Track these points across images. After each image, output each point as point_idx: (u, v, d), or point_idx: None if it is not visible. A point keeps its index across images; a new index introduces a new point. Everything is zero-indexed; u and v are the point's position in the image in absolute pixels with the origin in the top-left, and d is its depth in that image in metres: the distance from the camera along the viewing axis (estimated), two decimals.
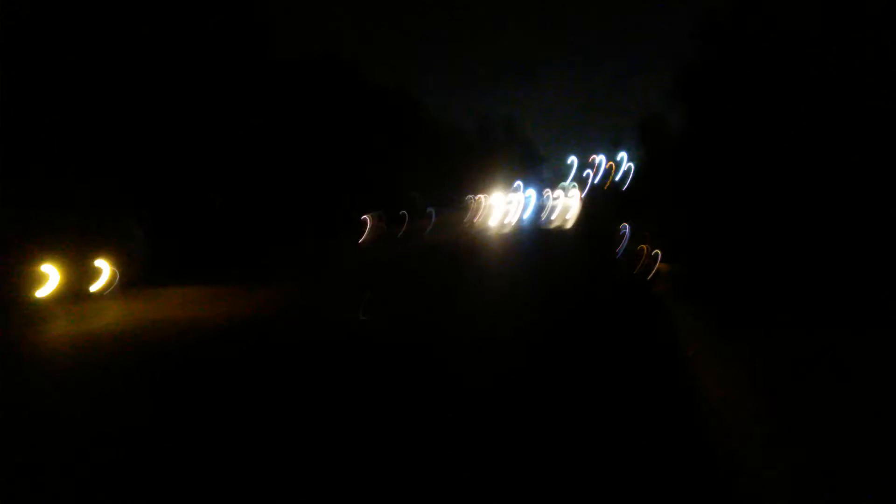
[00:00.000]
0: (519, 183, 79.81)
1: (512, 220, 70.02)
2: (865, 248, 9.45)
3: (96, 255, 15.12)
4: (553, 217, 70.02)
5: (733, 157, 13.32)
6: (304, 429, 5.22)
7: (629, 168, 37.99)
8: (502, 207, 69.18)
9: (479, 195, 73.56)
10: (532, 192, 74.60)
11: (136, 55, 22.31)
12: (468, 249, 23.84)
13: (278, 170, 28.74)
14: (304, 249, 26.25)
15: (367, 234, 34.62)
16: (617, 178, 52.48)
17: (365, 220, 35.55)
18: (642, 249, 11.93)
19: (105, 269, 15.17)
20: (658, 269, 11.01)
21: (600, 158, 64.90)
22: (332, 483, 4.19)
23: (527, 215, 68.21)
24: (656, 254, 11.12)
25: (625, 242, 14.02)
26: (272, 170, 28.30)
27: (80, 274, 14.67)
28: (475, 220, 69.30)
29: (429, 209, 53.60)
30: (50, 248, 14.39)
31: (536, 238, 39.06)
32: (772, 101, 12.70)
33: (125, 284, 15.77)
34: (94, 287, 14.88)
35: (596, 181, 64.54)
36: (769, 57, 12.95)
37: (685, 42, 18.13)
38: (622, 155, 53.83)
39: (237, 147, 25.90)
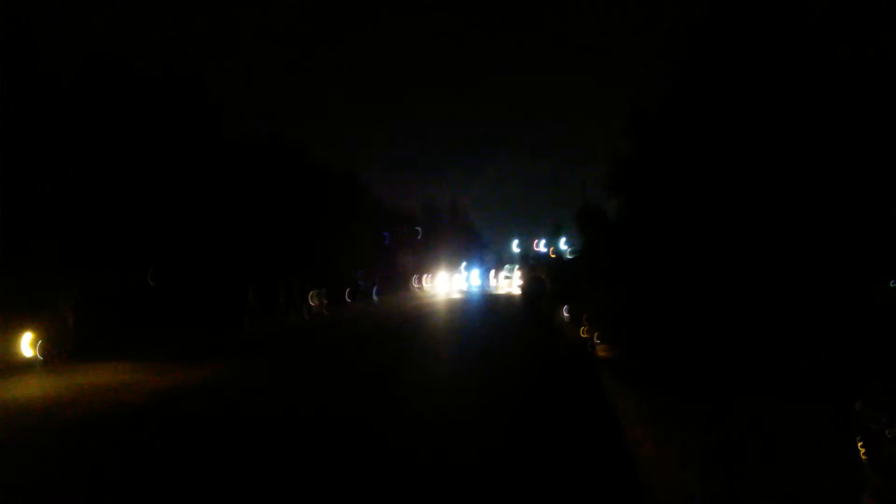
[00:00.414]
0: (464, 264, 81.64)
1: (460, 287, 71.61)
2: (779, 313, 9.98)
3: (24, 326, 14.50)
4: (498, 284, 71.94)
5: (661, 241, 14.01)
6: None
7: (569, 251, 39.14)
8: (447, 280, 70.78)
9: (424, 276, 74.51)
10: (476, 272, 76.74)
11: (82, 129, 22.23)
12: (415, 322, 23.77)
13: (219, 246, 28.46)
14: (244, 327, 25.65)
15: (309, 312, 34.17)
16: (559, 249, 54.29)
17: (308, 298, 35.17)
18: (578, 331, 12.19)
19: (31, 341, 14.52)
20: (599, 354, 11.25)
21: (542, 243, 67.02)
22: None
23: (475, 285, 70.23)
24: (594, 334, 11.38)
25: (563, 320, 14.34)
26: (214, 246, 28.00)
27: (6, 344, 14.03)
28: (423, 286, 70.15)
29: (375, 291, 53.64)
30: None
31: (484, 299, 39.56)
32: (695, 190, 13.54)
33: (53, 356, 15.24)
34: (24, 355, 14.25)
35: (535, 251, 66.60)
36: (689, 151, 13.92)
37: (618, 138, 19.35)
38: (563, 240, 55.76)
39: (178, 222, 25.65)
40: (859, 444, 3.53)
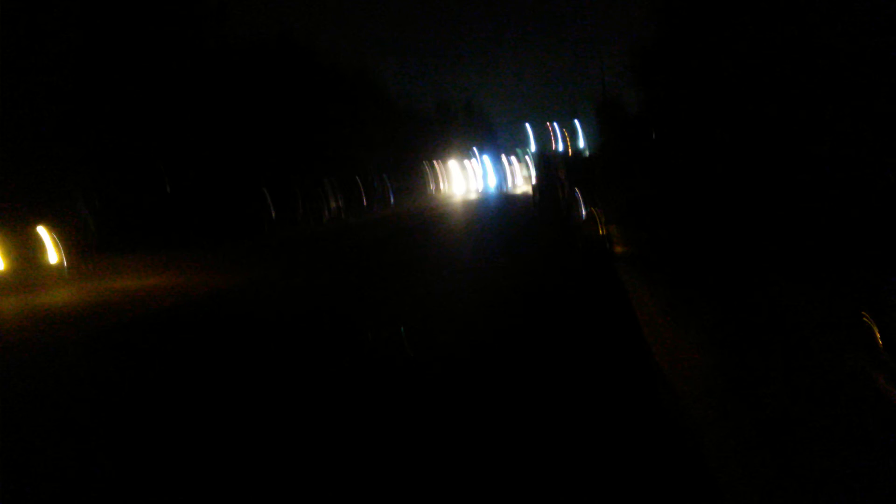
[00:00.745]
0: (474, 149, 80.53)
1: (477, 187, 71.53)
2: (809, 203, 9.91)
3: (47, 231, 14.69)
4: (517, 182, 71.65)
5: (682, 133, 13.71)
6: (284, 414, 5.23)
7: (587, 149, 38.44)
8: (462, 174, 70.31)
9: (435, 162, 73.79)
10: (487, 159, 75.54)
11: (90, 36, 21.70)
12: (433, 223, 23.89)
13: (235, 152, 28.31)
14: (264, 233, 25.97)
15: (328, 218, 34.41)
16: (578, 145, 53.32)
17: (323, 200, 35.30)
18: (592, 213, 12.14)
19: (56, 260, 14.81)
20: (616, 251, 11.27)
21: (555, 125, 65.34)
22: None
23: (491, 183, 69.93)
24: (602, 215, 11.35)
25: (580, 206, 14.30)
26: (230, 153, 27.86)
27: (30, 249, 14.28)
28: (439, 188, 70.10)
29: (392, 194, 53.52)
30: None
31: (502, 204, 39.58)
32: (723, 76, 13.08)
33: (77, 261, 15.44)
34: (51, 259, 14.52)
35: (553, 148, 65.56)
36: (719, 36, 13.32)
37: (641, 25, 18.53)
38: (576, 122, 54.32)
39: (191, 127, 25.44)
40: (874, 328, 3.56)
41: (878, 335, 3.51)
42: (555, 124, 63.65)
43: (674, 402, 4.78)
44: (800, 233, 9.47)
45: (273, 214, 28.60)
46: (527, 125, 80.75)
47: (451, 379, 5.76)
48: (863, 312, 3.56)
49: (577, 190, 15.32)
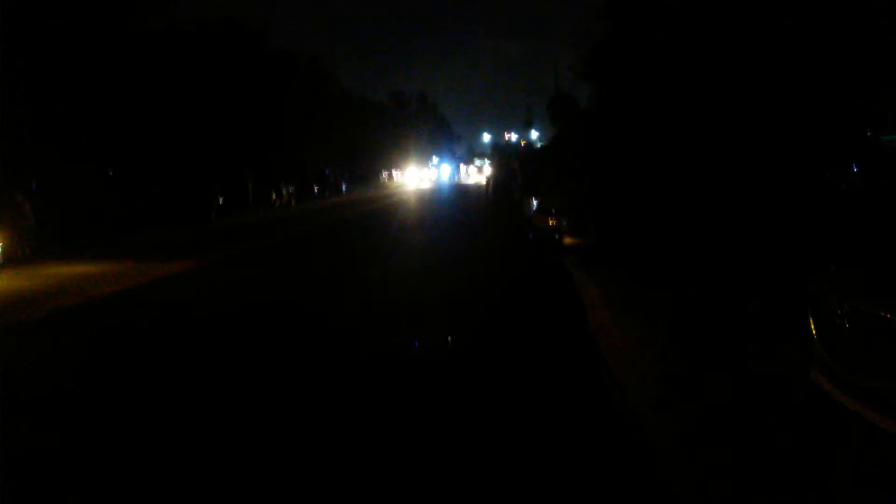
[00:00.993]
0: (434, 158, 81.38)
1: (430, 177, 71.90)
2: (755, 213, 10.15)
3: None
4: (469, 173, 72.35)
5: (633, 128, 13.90)
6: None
7: (539, 142, 38.80)
8: (417, 175, 71.24)
9: (393, 174, 73.98)
10: (446, 167, 76.79)
11: (30, 26, 20.66)
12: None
13: (180, 141, 27.51)
14: (211, 224, 25.33)
15: (277, 206, 33.85)
16: (530, 137, 54.01)
17: (275, 192, 34.69)
18: (546, 220, 12.21)
19: None
20: (565, 242, 11.33)
21: (513, 134, 66.38)
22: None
23: (444, 175, 70.78)
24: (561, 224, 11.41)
25: (531, 210, 14.37)
26: (173, 141, 27.04)
27: None
28: (392, 178, 70.10)
29: (344, 184, 53.04)
30: None
31: (454, 195, 39.62)
32: (667, 76, 13.30)
33: (17, 255, 15.00)
34: None
35: (506, 139, 66.25)
36: (668, 33, 13.53)
37: (593, 20, 18.69)
38: (533, 131, 55.19)
39: (135, 118, 24.56)
40: (810, 322, 3.61)
41: (813, 329, 3.56)
42: (512, 133, 64.29)
43: (615, 390, 4.82)
44: (746, 227, 9.70)
45: (220, 201, 27.94)
46: (484, 135, 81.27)
47: (401, 369, 5.67)
48: (808, 317, 3.61)
49: (527, 183, 15.40)
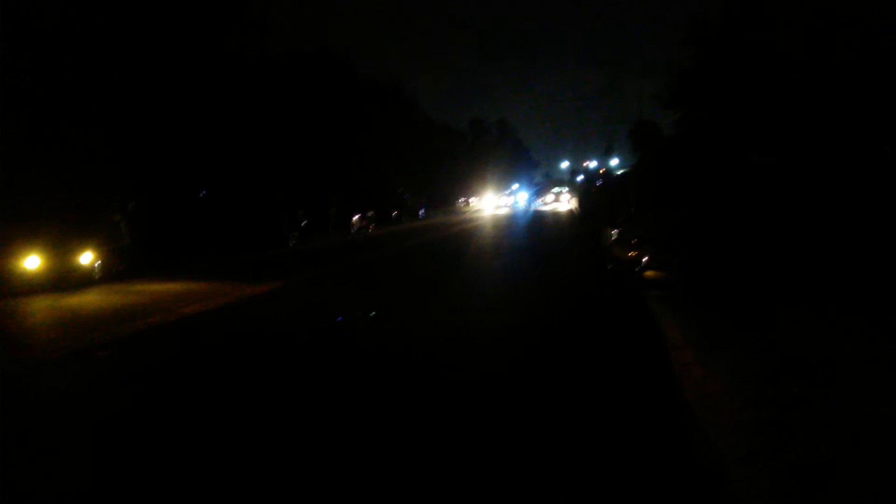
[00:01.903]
0: (515, 186, 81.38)
1: (507, 203, 72.09)
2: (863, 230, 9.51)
3: (82, 247, 14.92)
4: (548, 201, 72.09)
5: (719, 157, 13.37)
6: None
7: (622, 172, 38.11)
8: (494, 200, 71.68)
9: (470, 199, 74.48)
10: (523, 193, 76.51)
11: (128, 50, 22.14)
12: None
13: (268, 165, 28.61)
14: (292, 246, 26.09)
15: (356, 230, 34.58)
16: (610, 165, 53.21)
17: (354, 216, 35.47)
18: (626, 252, 11.84)
19: (90, 261, 14.99)
20: (646, 275, 10.95)
21: (594, 164, 65.61)
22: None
23: (521, 201, 70.74)
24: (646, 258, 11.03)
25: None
26: (262, 165, 28.16)
27: (64, 265, 14.48)
28: (469, 203, 70.66)
29: (421, 209, 53.75)
30: (34, 238, 14.20)
31: (531, 222, 39.35)
32: (760, 100, 12.77)
33: (111, 272, 15.71)
34: (84, 260, 14.73)
35: (586, 166, 65.50)
36: (758, 59, 13.02)
37: (677, 48, 18.24)
38: (616, 161, 54.43)
39: (226, 142, 25.76)
40: None
41: None
42: (593, 160, 63.63)
43: (700, 439, 4.53)
44: (846, 262, 9.08)
45: (303, 224, 28.77)
46: (563, 162, 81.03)
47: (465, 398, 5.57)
48: None
49: (607, 212, 15.08)
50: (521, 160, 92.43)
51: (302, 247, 25.77)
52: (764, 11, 13.61)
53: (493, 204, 73.55)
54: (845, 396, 4.78)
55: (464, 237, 28.58)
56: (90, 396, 6.25)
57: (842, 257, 9.26)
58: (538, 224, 37.15)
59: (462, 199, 74.25)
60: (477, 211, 67.12)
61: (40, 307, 11.83)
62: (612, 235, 13.27)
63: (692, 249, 10.31)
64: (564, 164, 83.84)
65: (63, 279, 14.14)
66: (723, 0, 15.21)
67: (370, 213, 37.49)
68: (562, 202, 71.67)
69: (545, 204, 73.73)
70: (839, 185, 10.98)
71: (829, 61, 11.56)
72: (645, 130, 26.97)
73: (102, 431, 5.18)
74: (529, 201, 73.25)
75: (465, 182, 71.37)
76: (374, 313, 10.03)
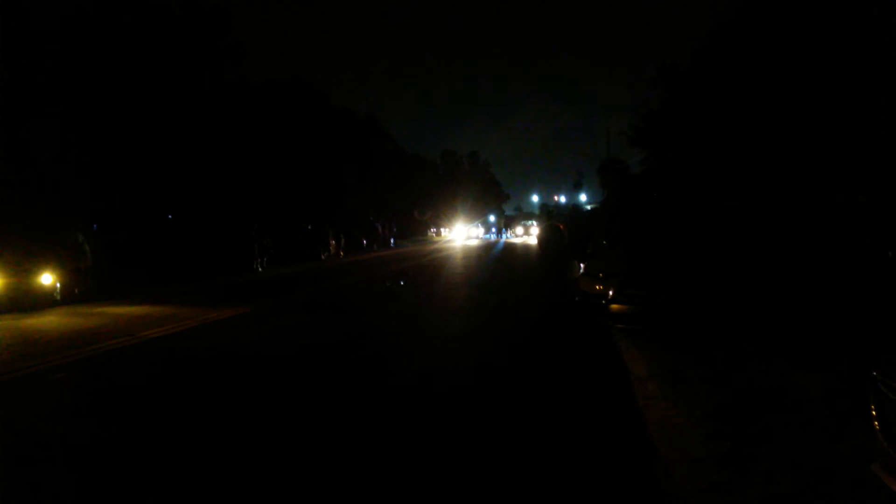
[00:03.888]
0: (484, 219, 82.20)
1: (477, 234, 72.59)
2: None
3: (43, 268, 14.61)
4: (518, 233, 72.84)
5: (685, 194, 13.72)
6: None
7: (588, 204, 38.69)
8: (464, 231, 72.31)
9: (441, 229, 74.86)
10: (493, 225, 77.39)
11: (100, 72, 22.03)
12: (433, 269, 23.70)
13: (238, 191, 28.44)
14: (260, 272, 25.82)
15: (326, 257, 34.39)
16: (579, 200, 53.94)
17: (325, 243, 35.33)
18: (593, 285, 12.00)
19: (50, 282, 14.67)
20: (612, 308, 11.08)
21: (562, 199, 66.52)
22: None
23: (493, 236, 71.45)
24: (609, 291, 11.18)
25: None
26: (231, 191, 27.99)
27: (24, 286, 14.16)
28: (440, 233, 70.98)
29: (392, 237, 53.77)
30: None
31: (500, 253, 39.60)
32: (725, 143, 13.18)
33: (73, 294, 15.42)
34: (42, 294, 14.43)
35: (555, 201, 66.53)
36: (723, 105, 13.47)
37: (646, 89, 18.83)
38: (583, 195, 55.26)
39: (197, 167, 25.61)
40: (872, 412, 3.40)
41: (875, 419, 3.35)
42: (561, 196, 64.75)
43: (662, 472, 4.58)
44: (805, 303, 9.31)
45: (272, 251, 28.53)
46: (533, 196, 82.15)
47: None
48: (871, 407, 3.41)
49: (574, 246, 15.30)
50: (491, 192, 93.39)
51: (270, 272, 25.52)
52: (730, 61, 14.13)
53: (464, 234, 74.03)
54: (804, 430, 4.90)
55: (434, 267, 28.59)
56: (44, 419, 6.08)
57: (800, 295, 9.50)
58: (506, 255, 37.39)
59: (433, 230, 74.59)
60: (448, 241, 67.44)
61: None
62: (579, 269, 13.45)
63: (657, 285, 10.48)
64: (535, 198, 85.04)
65: (22, 300, 13.83)
66: (691, 45, 15.80)
67: (342, 241, 37.41)
68: (532, 235, 72.65)
69: (516, 236, 74.57)
70: (798, 229, 11.33)
71: (789, 118, 12.03)
72: (613, 167, 27.52)
73: (54, 455, 5.03)
74: (499, 233, 74.08)
75: (437, 212, 71.74)
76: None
